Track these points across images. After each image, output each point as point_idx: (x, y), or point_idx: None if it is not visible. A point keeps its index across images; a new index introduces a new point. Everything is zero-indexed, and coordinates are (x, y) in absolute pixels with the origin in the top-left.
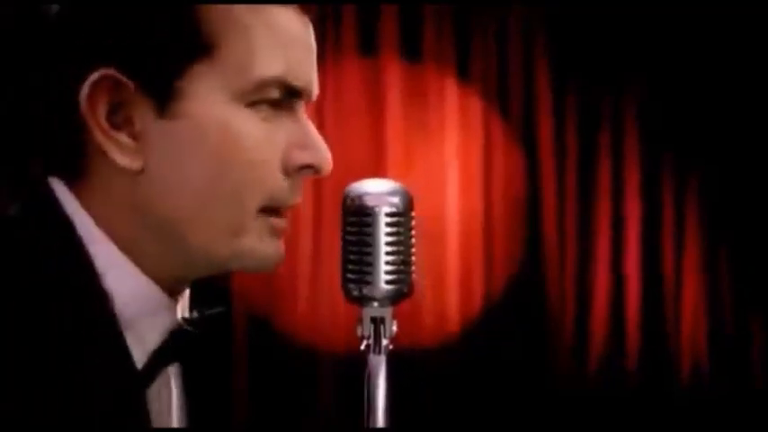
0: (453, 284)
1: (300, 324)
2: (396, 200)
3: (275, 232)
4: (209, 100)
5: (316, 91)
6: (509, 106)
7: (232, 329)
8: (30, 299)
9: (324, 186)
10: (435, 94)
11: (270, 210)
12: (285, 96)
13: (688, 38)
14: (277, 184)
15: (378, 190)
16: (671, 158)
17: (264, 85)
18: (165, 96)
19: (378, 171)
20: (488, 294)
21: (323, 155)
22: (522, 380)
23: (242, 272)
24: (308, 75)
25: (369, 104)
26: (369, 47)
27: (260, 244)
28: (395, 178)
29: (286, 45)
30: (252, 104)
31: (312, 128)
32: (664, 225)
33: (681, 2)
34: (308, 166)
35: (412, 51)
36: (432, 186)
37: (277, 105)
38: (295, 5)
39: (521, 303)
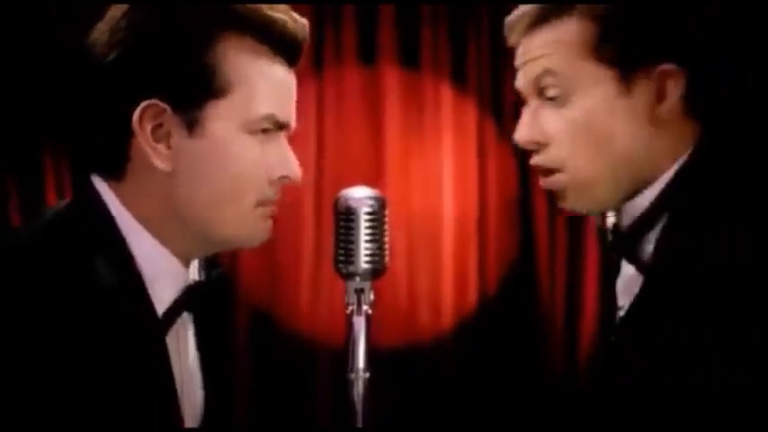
0: (449, 283)
1: (301, 319)
2: (373, 202)
3: (266, 217)
4: (222, 127)
5: (294, 123)
6: (502, 111)
7: (235, 321)
8: (79, 263)
9: (324, 189)
10: (432, 100)
11: (263, 203)
12: (274, 127)
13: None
14: (265, 189)
15: (360, 195)
16: None
17: (261, 119)
18: (192, 121)
19: (376, 173)
20: (482, 293)
21: (296, 169)
22: (513, 378)
23: (245, 265)
24: (291, 112)
25: (368, 110)
26: (368, 55)
27: (254, 229)
28: (393, 181)
29: (276, 91)
30: (251, 132)
31: (289, 149)
32: None
33: (670, 8)
34: (286, 176)
35: (409, 59)
36: (428, 188)
37: (267, 133)
38: (289, 64)
39: (513, 302)
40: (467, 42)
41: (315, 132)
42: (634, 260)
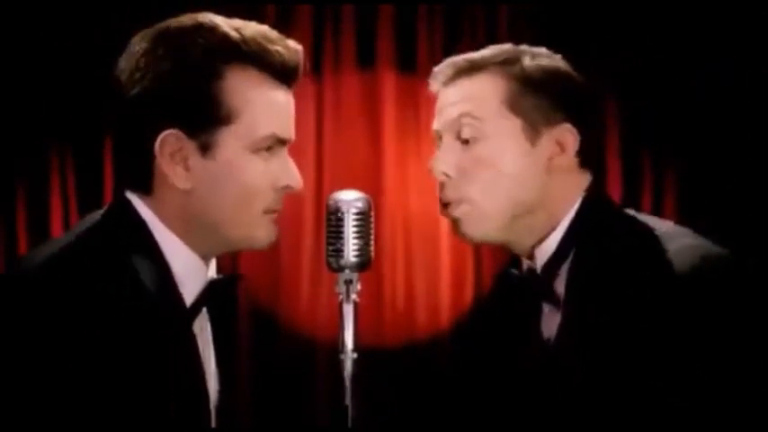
0: (446, 283)
1: (301, 318)
2: (360, 204)
3: (273, 222)
4: (230, 148)
5: (293, 137)
6: None
7: (236, 321)
8: (121, 264)
9: (324, 192)
10: (428, 104)
11: (268, 210)
12: (276, 144)
13: (666, 43)
14: (270, 198)
15: (348, 197)
16: (649, 155)
17: (264, 139)
18: (205, 146)
19: (374, 176)
20: (478, 292)
21: (297, 179)
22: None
23: (246, 265)
24: (290, 129)
25: (366, 113)
26: (366, 60)
27: (263, 232)
28: (390, 183)
29: (277, 112)
30: (256, 151)
31: (291, 162)
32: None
33: (662, 8)
34: (288, 186)
35: (407, 64)
36: (425, 190)
37: (271, 149)
38: (288, 87)
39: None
40: (463, 48)
41: (314, 136)
42: (549, 297)
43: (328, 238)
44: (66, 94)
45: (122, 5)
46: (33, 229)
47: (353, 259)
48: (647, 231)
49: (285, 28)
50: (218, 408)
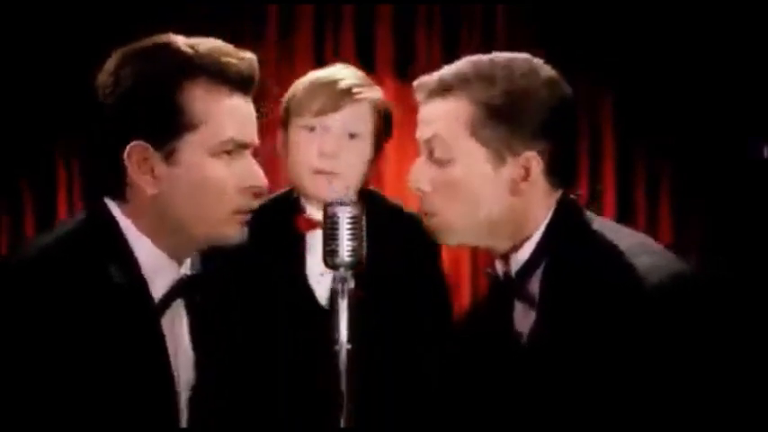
0: None
1: None
2: (353, 209)
3: (241, 223)
4: (193, 155)
5: (257, 141)
6: None
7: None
8: (95, 265)
9: None
10: None
11: (239, 211)
12: (236, 148)
13: (661, 43)
14: (237, 199)
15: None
16: (644, 155)
17: (222, 143)
18: (169, 154)
19: (374, 177)
20: (475, 293)
21: (260, 178)
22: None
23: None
24: (250, 133)
25: None
26: (366, 67)
27: (231, 231)
28: (389, 186)
29: (234, 118)
30: (217, 155)
31: (254, 163)
32: (637, 216)
33: (659, 7)
34: (253, 186)
35: (405, 66)
36: None
37: (232, 153)
38: (245, 94)
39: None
40: (459, 55)
41: None
42: (523, 297)
43: (325, 239)
44: (69, 93)
45: (125, 5)
46: (39, 229)
47: (347, 259)
48: (612, 248)
49: (286, 29)
50: (196, 400)
